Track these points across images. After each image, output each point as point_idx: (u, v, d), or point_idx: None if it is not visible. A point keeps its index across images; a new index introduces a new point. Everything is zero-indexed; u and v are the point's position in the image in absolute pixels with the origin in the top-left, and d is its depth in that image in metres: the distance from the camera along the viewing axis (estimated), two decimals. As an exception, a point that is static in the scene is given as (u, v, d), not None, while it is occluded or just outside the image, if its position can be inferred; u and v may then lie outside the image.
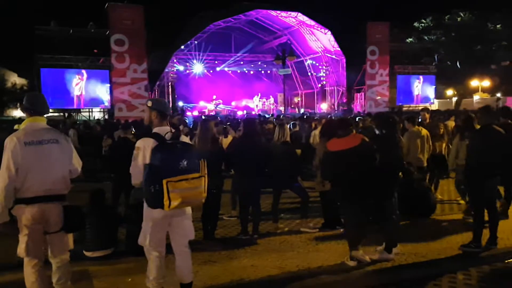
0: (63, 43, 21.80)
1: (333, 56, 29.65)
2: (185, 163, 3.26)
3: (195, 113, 28.92)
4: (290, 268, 4.44)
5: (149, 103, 3.60)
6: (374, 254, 4.68)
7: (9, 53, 25.45)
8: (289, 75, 32.61)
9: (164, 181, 3.16)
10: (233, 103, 33.09)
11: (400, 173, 4.82)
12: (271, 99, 32.77)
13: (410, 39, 33.36)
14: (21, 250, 3.33)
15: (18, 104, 32.14)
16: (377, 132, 4.86)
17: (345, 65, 28.65)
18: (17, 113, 30.73)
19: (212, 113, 25.99)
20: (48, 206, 3.32)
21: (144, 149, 3.37)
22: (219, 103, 31.43)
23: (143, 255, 4.62)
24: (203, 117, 5.74)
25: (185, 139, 3.63)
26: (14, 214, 3.32)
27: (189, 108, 30.09)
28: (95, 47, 22.90)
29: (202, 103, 31.35)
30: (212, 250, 5.05)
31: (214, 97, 31.50)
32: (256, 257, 4.81)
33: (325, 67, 30.90)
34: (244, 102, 33.46)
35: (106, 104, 23.29)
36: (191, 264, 3.63)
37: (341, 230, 5.57)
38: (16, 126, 10.81)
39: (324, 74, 31.25)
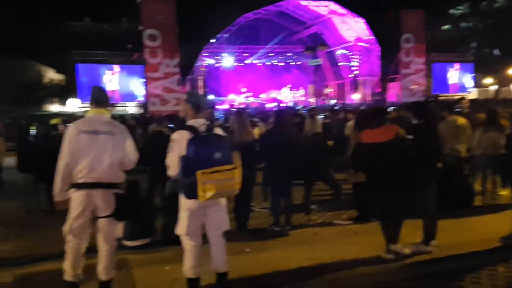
0: (97, 39, 22.41)
1: (366, 45, 29.04)
2: (219, 155, 3.35)
3: (225, 106, 29.14)
4: (323, 260, 4.44)
5: (184, 97, 3.70)
6: (412, 247, 4.61)
7: (45, 49, 26.40)
8: (319, 65, 32.33)
9: (199, 173, 3.25)
10: (262, 96, 33.09)
11: (438, 163, 4.68)
12: (301, 91, 32.54)
13: (446, 27, 32.15)
14: (65, 227, 3.58)
15: (55, 99, 33.45)
16: (413, 122, 4.75)
17: (378, 54, 28.01)
18: (54, 107, 31.86)
19: (242, 106, 26.11)
20: (95, 193, 3.49)
21: (179, 141, 3.47)
22: (249, 96, 31.53)
23: (179, 245, 4.82)
24: (236, 109, 5.78)
25: (218, 131, 3.69)
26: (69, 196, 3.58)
27: (219, 102, 30.34)
28: (129, 42, 23.42)
29: (231, 96, 31.53)
30: (245, 240, 5.14)
31: (244, 89, 31.63)
32: (288, 248, 4.84)
33: (357, 56, 30.32)
34: (273, 94, 33.39)
35: (141, 98, 23.83)
36: (226, 254, 3.71)
37: (376, 222, 5.49)
38: (52, 121, 11.31)
39: (356, 64, 30.68)
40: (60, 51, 23.38)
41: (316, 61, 19.90)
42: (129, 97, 23.95)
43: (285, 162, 5.50)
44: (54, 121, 10.12)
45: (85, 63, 22.46)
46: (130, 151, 3.65)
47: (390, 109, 11.98)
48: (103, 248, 3.63)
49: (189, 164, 3.33)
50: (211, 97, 30.47)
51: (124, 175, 3.67)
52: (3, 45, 26.73)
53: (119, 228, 3.67)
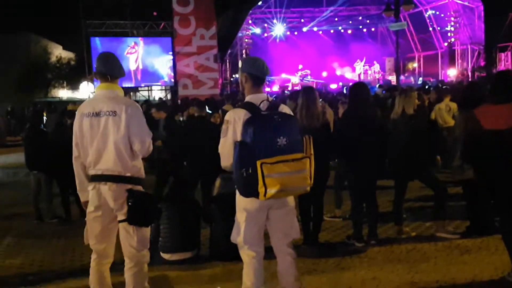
0: (115, 6, 23.07)
1: (466, 3, 28.03)
2: (284, 140, 3.29)
3: (275, 88, 29.15)
4: (427, 284, 4.37)
5: (240, 64, 3.66)
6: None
7: (52, 21, 27.57)
8: (401, 32, 31.49)
9: (258, 163, 3.21)
10: (324, 74, 32.84)
11: None
12: (376, 66, 31.98)
13: None
14: (85, 234, 3.71)
15: (65, 82, 34.93)
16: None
17: (482, 14, 26.91)
18: (64, 93, 33.28)
19: (297, 88, 26.01)
20: (103, 187, 3.56)
21: (234, 122, 3.44)
22: (306, 75, 31.42)
23: (229, 260, 4.92)
24: (304, 86, 5.74)
25: (285, 109, 3.63)
26: None
27: (267, 83, 30.41)
28: (154, 9, 23.94)
29: (284, 76, 31.55)
30: (316, 257, 5.13)
31: (300, 66, 31.55)
32: (376, 268, 4.80)
33: (454, 18, 29.33)
34: (339, 72, 33.06)
35: (166, 79, 24.27)
36: (296, 270, 3.66)
37: (495, 237, 5.29)
38: (69, 107, 11.80)
39: (452, 29, 29.73)
40: (71, 23, 24.23)
41: (399, 25, 19.20)
42: (153, 77, 24.34)
43: (369, 156, 5.38)
44: (70, 107, 10.54)
45: (100, 36, 22.99)
46: (138, 133, 3.59)
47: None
48: (125, 263, 3.68)
49: (245, 152, 3.30)
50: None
51: (142, 167, 3.69)
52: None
53: (140, 236, 3.62)
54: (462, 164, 5.37)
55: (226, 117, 3.55)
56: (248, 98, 3.58)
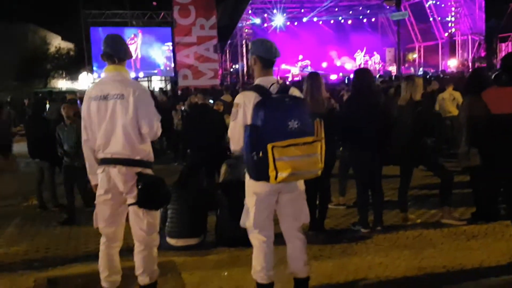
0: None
1: (467, -7, 27.98)
2: (296, 123, 3.26)
3: (276, 79, 29.01)
4: (435, 270, 4.34)
5: (250, 45, 3.63)
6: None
7: (51, 12, 27.47)
8: (402, 23, 31.41)
9: (269, 146, 3.18)
10: (324, 65, 32.74)
11: None
12: (376, 57, 31.88)
13: None
14: (94, 217, 3.71)
15: (64, 73, 34.89)
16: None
17: (483, 4, 26.83)
18: (63, 83, 33.24)
19: (297, 79, 25.94)
20: (112, 171, 3.54)
21: (244, 105, 3.42)
22: (306, 65, 31.31)
23: (235, 246, 4.91)
24: (310, 72, 5.73)
25: (296, 92, 3.60)
26: None
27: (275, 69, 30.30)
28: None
29: (284, 66, 31.43)
30: (322, 243, 5.13)
31: (300, 57, 31.42)
32: (382, 254, 4.78)
33: (455, 8, 29.19)
34: (339, 63, 32.96)
35: (162, 68, 24.18)
36: (306, 255, 3.65)
37: (501, 223, 5.33)
38: (68, 96, 11.80)
39: (453, 19, 29.56)
40: (70, 13, 24.17)
41: (401, 14, 19.17)
42: (150, 66, 24.28)
43: (374, 142, 5.36)
44: (70, 96, 10.58)
45: (100, 26, 22.89)
46: (146, 116, 3.55)
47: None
48: (135, 246, 3.67)
49: (256, 135, 3.27)
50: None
51: (151, 151, 3.68)
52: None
53: (149, 220, 3.61)
54: (468, 151, 5.38)
55: (236, 100, 3.52)
56: (257, 81, 3.55)
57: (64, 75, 35.04)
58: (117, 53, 3.63)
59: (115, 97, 3.52)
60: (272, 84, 3.46)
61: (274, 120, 3.25)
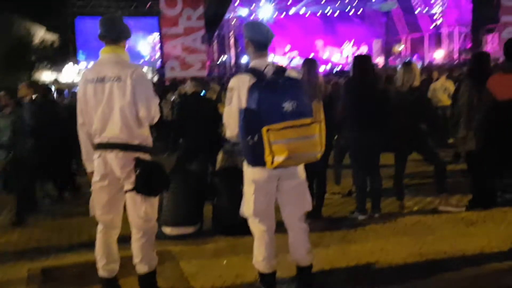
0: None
1: (453, -16, 28.06)
2: (292, 104, 3.17)
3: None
4: (435, 255, 4.34)
5: (243, 29, 3.58)
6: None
7: (35, 2, 27.04)
8: (388, 14, 31.50)
9: (264, 129, 3.10)
10: (312, 56, 32.72)
11: None
12: (364, 48, 31.90)
13: None
14: (90, 203, 3.63)
15: (47, 65, 34.46)
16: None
17: (470, -5, 26.96)
18: (48, 76, 32.83)
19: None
20: (109, 156, 3.44)
21: (239, 89, 3.35)
22: (294, 57, 31.29)
23: (232, 235, 4.85)
24: (306, 58, 5.70)
25: (293, 74, 3.51)
26: None
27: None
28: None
29: (272, 57, 31.37)
30: (320, 230, 5.09)
31: (288, 47, 31.37)
32: (382, 241, 4.78)
33: (442, 0, 29.29)
34: (327, 54, 32.94)
35: (147, 58, 23.97)
36: (309, 242, 3.60)
37: (500, 209, 5.39)
38: (56, 86, 11.60)
39: (439, 11, 29.66)
40: (55, 3, 23.79)
41: (389, 5, 19.12)
42: (135, 57, 24.05)
43: (371, 126, 5.33)
44: (57, 86, 10.41)
45: (86, 16, 22.56)
46: (144, 98, 3.44)
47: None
48: (132, 234, 3.58)
49: (250, 119, 3.20)
50: (244, 59, 30.42)
51: (149, 136, 3.60)
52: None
53: (148, 206, 3.52)
54: (466, 135, 5.38)
55: (230, 84, 3.44)
56: (252, 64, 3.47)
57: (49, 66, 34.59)
58: (110, 34, 3.53)
59: (112, 79, 3.40)
60: (267, 66, 3.38)
61: (269, 102, 3.17)
